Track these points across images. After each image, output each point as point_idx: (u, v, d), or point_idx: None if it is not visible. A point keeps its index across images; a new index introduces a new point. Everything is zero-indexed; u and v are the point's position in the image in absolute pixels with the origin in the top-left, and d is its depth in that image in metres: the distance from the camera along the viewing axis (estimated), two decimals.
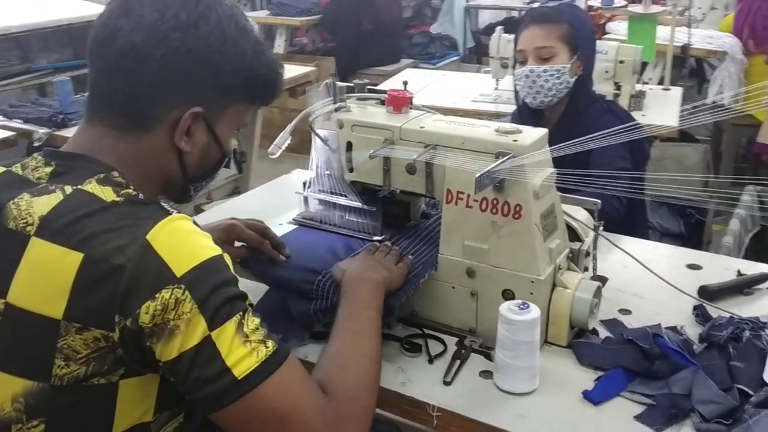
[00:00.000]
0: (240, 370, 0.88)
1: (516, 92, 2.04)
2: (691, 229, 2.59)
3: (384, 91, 1.38)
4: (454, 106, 2.89)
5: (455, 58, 5.73)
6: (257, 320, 0.93)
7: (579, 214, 1.37)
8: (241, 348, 0.89)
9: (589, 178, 1.19)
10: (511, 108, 2.49)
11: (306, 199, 1.50)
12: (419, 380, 1.20)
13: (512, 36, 2.90)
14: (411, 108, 1.35)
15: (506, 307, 1.15)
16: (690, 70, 4.24)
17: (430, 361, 1.24)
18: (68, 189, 0.93)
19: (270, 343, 0.92)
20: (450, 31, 6.17)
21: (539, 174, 1.19)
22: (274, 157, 1.34)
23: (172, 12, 0.97)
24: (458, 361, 1.23)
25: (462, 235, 1.25)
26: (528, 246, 1.20)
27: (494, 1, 6.35)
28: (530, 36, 1.92)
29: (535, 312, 1.13)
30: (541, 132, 1.24)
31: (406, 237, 1.43)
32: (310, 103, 1.38)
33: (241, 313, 0.91)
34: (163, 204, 0.97)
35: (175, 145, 1.01)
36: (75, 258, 0.87)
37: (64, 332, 0.88)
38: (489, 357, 1.24)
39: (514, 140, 1.20)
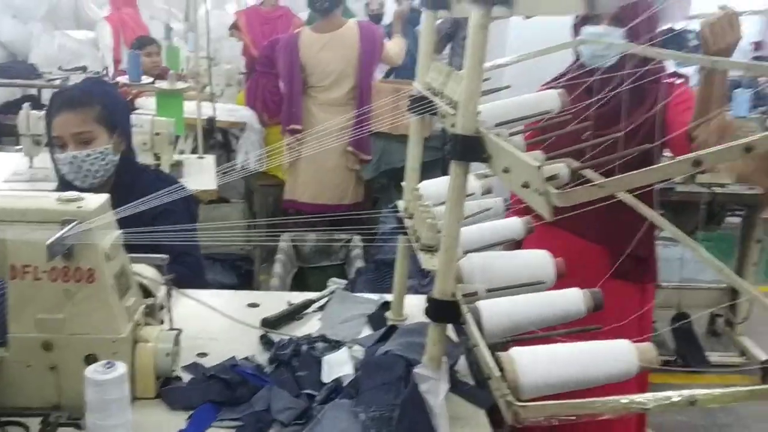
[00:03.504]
0: None
1: (57, 171, 1.98)
2: (243, 279, 2.88)
3: None
4: None
5: None
6: None
7: (148, 272, 1.46)
8: None
9: (167, 237, 1.30)
10: (50, 185, 2.42)
11: None
12: None
13: (41, 113, 2.84)
14: None
15: (92, 370, 1.16)
16: (216, 141, 4.66)
17: None
18: None
19: None
20: None
21: (107, 237, 1.25)
22: None
23: None
24: None
25: (33, 309, 1.22)
26: (105, 308, 1.24)
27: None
28: (64, 122, 1.85)
29: (121, 368, 1.17)
30: (104, 197, 1.29)
31: None
32: None
33: None
34: None
35: None
36: None
37: None
38: (79, 427, 1.23)
39: (78, 207, 1.23)
